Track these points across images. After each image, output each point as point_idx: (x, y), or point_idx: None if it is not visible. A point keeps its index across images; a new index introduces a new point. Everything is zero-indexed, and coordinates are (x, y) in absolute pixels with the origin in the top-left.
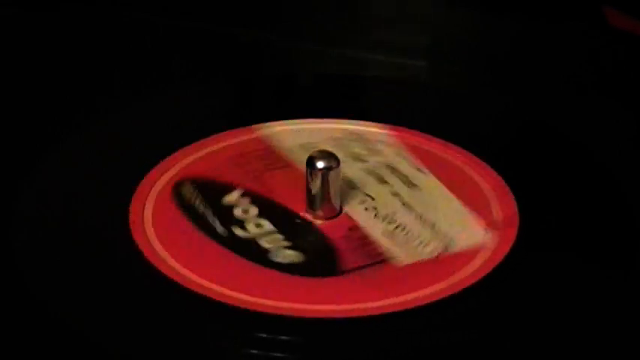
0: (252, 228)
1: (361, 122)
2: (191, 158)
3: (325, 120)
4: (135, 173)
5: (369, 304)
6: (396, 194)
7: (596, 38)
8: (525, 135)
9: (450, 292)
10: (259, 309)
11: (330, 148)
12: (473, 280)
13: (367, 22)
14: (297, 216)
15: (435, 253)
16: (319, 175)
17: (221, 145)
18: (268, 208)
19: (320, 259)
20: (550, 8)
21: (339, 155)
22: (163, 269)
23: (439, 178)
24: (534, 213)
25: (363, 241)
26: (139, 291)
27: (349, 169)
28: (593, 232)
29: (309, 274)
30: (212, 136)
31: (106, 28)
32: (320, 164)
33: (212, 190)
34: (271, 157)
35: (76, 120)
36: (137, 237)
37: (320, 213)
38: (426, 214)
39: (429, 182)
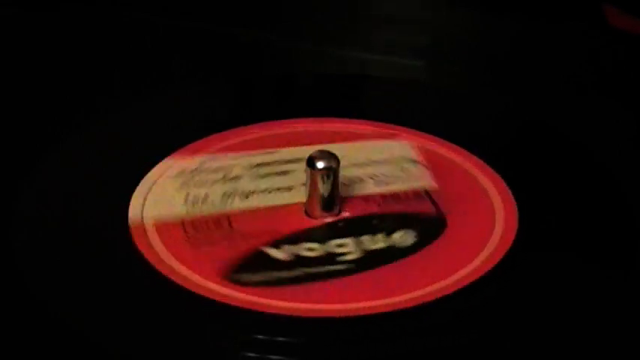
0: (305, 252)
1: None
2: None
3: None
4: (135, 173)
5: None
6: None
7: (596, 38)
8: (525, 135)
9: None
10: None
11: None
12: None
13: (367, 22)
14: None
15: (418, 168)
16: (320, 174)
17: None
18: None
19: (420, 225)
20: (550, 8)
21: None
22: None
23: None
24: (534, 213)
25: (391, 197)
26: (139, 291)
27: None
28: (593, 232)
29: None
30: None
31: (106, 28)
32: (320, 164)
33: (259, 261)
34: (205, 223)
35: (76, 120)
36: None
37: (336, 211)
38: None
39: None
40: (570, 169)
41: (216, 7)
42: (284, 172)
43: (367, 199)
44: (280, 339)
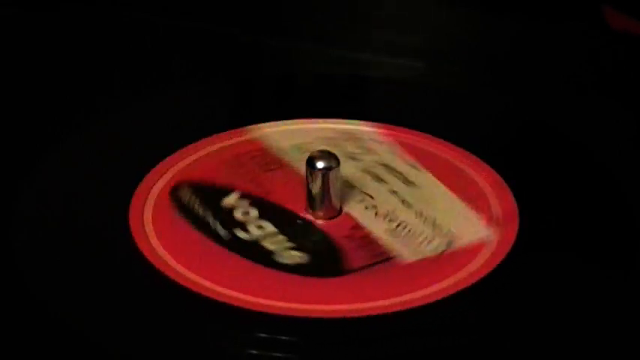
0: (254, 230)
1: (353, 121)
2: (187, 161)
3: (317, 120)
4: (135, 173)
5: (375, 303)
6: (394, 192)
7: (595, 38)
8: (525, 135)
9: (450, 292)
10: (264, 310)
11: (324, 147)
12: (473, 280)
13: (367, 22)
14: (298, 217)
15: (440, 250)
16: (319, 175)
17: (215, 147)
18: (268, 210)
19: (325, 259)
20: (550, 8)
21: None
22: (163, 269)
23: (435, 175)
24: (534, 213)
25: (366, 239)
26: (139, 291)
27: (345, 168)
28: (593, 232)
29: (314, 275)
30: (204, 138)
31: (106, 28)
32: (320, 164)
33: (210, 193)
34: (266, 158)
35: (76, 120)
36: (137, 237)
37: (320, 213)
38: (425, 210)
39: (426, 179)
40: (570, 169)
41: (216, 7)
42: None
43: (356, 227)
44: (280, 339)
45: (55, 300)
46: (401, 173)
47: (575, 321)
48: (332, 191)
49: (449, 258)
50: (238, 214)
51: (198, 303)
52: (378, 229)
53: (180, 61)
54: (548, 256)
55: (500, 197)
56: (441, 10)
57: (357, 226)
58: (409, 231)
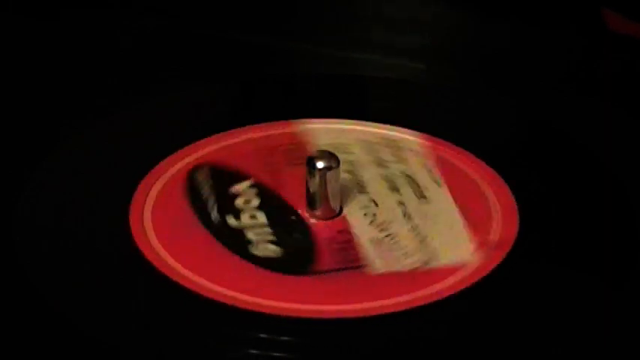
0: (245, 219)
1: (395, 128)
2: (206, 150)
3: (363, 122)
4: (135, 173)
5: (329, 307)
6: (401, 203)
7: (595, 41)
8: (526, 136)
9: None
10: (230, 302)
11: (357, 150)
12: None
13: (367, 22)
14: (295, 213)
15: (414, 266)
16: (318, 175)
17: (257, 134)
18: (270, 202)
19: (297, 257)
20: (549, 10)
21: (366, 158)
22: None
23: (452, 192)
24: (534, 214)
25: (346, 245)
26: (139, 291)
27: (367, 172)
28: (593, 232)
29: (282, 271)
30: (247, 126)
31: (107, 30)
32: (320, 164)
33: (224, 178)
34: (297, 152)
35: (77, 120)
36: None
37: (318, 213)
38: (422, 226)
39: (441, 196)
40: (571, 170)
41: (215, 8)
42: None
43: (344, 231)
44: (280, 339)
45: (55, 300)
46: (419, 186)
47: (575, 325)
48: (330, 192)
49: (421, 275)
50: (240, 202)
51: (198, 303)
52: (364, 236)
53: (181, 62)
54: (547, 259)
55: (505, 222)
56: (441, 11)
57: (344, 231)
58: (394, 243)
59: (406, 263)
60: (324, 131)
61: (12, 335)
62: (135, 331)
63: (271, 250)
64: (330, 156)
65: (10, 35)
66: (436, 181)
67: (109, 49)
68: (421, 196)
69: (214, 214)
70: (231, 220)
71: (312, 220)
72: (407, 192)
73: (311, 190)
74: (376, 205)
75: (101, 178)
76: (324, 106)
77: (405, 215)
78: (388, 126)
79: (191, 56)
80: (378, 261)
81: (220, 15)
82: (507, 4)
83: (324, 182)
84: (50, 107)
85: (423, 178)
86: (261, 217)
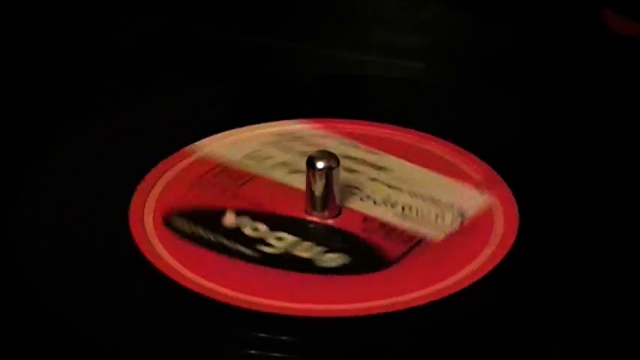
0: (276, 242)
1: (289, 122)
2: (162, 184)
3: (251, 126)
4: (135, 173)
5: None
6: (374, 179)
7: (595, 41)
8: (526, 136)
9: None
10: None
11: (275, 152)
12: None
13: (367, 22)
14: (306, 221)
15: (457, 223)
16: (318, 175)
17: (174, 172)
18: (273, 221)
19: (363, 255)
20: (549, 10)
21: (289, 156)
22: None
23: (397, 156)
24: (534, 214)
25: (385, 228)
26: (139, 291)
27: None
28: (593, 232)
29: (357, 273)
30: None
31: (107, 30)
32: (320, 164)
33: (206, 217)
34: (230, 173)
35: (77, 120)
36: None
37: (326, 213)
38: (416, 189)
39: (392, 162)
40: (571, 170)
41: (215, 8)
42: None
43: (367, 218)
44: (280, 338)
45: (55, 300)
46: (365, 161)
47: (575, 325)
48: (335, 190)
49: (468, 230)
50: (249, 231)
51: (198, 302)
52: (386, 216)
53: (181, 63)
54: (547, 259)
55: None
56: (441, 11)
57: (367, 218)
58: (417, 212)
59: (447, 223)
60: (228, 147)
61: (12, 335)
62: (135, 331)
63: (336, 257)
64: (329, 155)
65: (10, 35)
66: (373, 152)
67: (109, 49)
68: (378, 167)
69: (248, 250)
70: (266, 249)
71: (330, 221)
72: (363, 169)
73: (316, 192)
74: (358, 188)
75: (101, 178)
76: (324, 106)
77: (390, 187)
78: (278, 122)
79: (191, 56)
80: (427, 229)
81: (220, 15)
82: (507, 4)
83: (330, 181)
84: (50, 107)
85: (359, 153)
86: (287, 236)
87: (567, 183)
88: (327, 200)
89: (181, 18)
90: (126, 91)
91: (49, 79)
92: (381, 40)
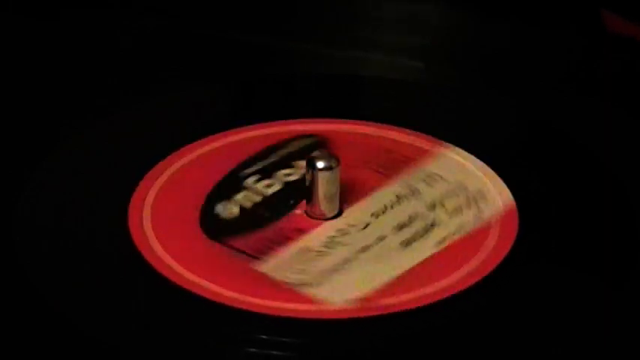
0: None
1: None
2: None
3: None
4: (135, 173)
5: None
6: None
7: (594, 41)
8: (526, 136)
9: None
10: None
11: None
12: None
13: (367, 22)
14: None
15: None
16: (319, 175)
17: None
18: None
19: None
20: (548, 11)
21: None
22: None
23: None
24: (534, 214)
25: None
26: (139, 291)
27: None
28: (593, 232)
29: None
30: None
31: (107, 30)
32: (320, 164)
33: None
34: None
35: (77, 120)
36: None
37: (326, 213)
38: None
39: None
40: (571, 170)
41: (215, 8)
42: None
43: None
44: (280, 339)
45: (55, 300)
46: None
47: (574, 326)
48: (335, 190)
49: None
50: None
51: (198, 303)
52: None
53: (181, 62)
54: (547, 259)
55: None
56: (442, 11)
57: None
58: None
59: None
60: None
61: (12, 335)
62: (135, 331)
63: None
64: (329, 156)
65: (10, 35)
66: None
67: (109, 49)
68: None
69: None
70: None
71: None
72: None
73: (313, 190)
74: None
75: (101, 178)
76: (324, 106)
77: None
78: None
79: (191, 56)
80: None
81: (220, 15)
82: (507, 4)
83: (330, 181)
84: (50, 107)
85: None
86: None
87: (567, 183)
88: (327, 200)
89: (181, 18)
90: (126, 91)
91: (49, 79)
92: (380, 40)
